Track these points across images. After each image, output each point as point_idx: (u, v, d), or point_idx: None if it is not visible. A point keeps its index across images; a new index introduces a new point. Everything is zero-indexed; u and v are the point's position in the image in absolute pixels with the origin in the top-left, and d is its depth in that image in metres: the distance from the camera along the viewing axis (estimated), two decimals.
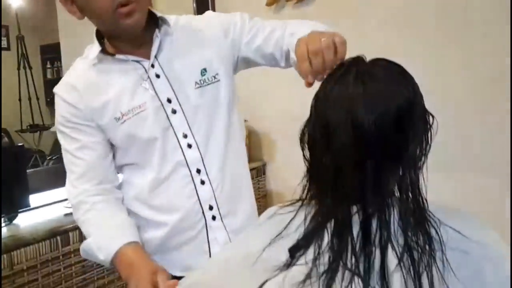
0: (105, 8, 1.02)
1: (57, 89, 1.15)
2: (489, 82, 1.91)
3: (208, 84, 1.15)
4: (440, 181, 1.96)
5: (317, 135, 0.73)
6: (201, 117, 1.15)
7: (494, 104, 1.92)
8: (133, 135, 1.12)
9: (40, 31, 5.22)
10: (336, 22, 2.07)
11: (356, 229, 0.70)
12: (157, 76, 1.13)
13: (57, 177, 1.87)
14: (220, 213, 1.17)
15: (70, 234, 1.60)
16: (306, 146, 0.76)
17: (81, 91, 1.12)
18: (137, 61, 1.12)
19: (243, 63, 1.22)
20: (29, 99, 5.06)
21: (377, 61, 0.74)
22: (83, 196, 1.13)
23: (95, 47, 1.12)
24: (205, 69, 1.15)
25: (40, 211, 1.80)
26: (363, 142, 0.69)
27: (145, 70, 1.12)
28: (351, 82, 0.70)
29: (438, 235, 0.69)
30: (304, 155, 0.76)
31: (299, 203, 0.79)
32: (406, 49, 1.99)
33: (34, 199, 1.82)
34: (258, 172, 2.63)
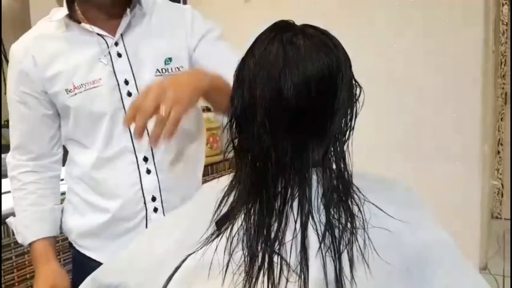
0: None
1: (14, 49, 1.11)
2: (458, 72, 1.92)
3: (170, 74, 1.10)
4: (409, 170, 2.00)
5: (240, 105, 0.71)
6: None
7: (463, 93, 1.93)
8: (82, 110, 1.07)
9: (18, 25, 5.14)
10: (304, 8, 2.06)
11: (278, 205, 0.69)
12: (119, 55, 1.08)
13: None
14: (162, 206, 1.12)
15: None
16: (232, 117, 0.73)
17: (37, 58, 1.08)
18: (102, 36, 1.08)
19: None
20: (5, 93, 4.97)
21: (303, 28, 0.71)
22: (16, 172, 1.15)
23: (62, 10, 1.07)
24: (170, 59, 1.10)
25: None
26: (283, 113, 0.67)
27: (107, 46, 1.08)
28: (274, 51, 0.68)
29: (360, 212, 0.68)
30: (229, 124, 0.74)
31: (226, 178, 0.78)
32: (377, 37, 1.99)
33: None
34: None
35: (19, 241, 1.14)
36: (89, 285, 0.82)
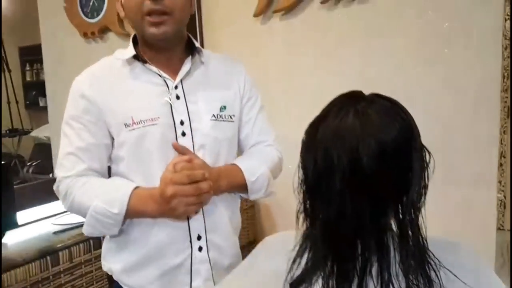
0: (135, 11, 1.07)
1: (78, 80, 1.14)
2: (475, 94, 1.97)
3: (224, 120, 1.18)
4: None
5: (312, 171, 0.73)
6: (208, 148, 1.15)
7: (480, 117, 1.97)
8: (136, 145, 1.10)
9: (19, 32, 5.10)
10: (319, 34, 2.09)
11: (357, 270, 0.71)
12: (177, 97, 1.14)
13: (44, 193, 1.85)
14: (207, 245, 1.16)
15: (60, 253, 1.56)
16: (302, 185, 0.76)
17: (103, 86, 1.12)
18: (163, 78, 1.14)
19: None
20: (8, 102, 4.93)
21: (374, 98, 0.75)
22: (75, 177, 1.11)
23: (129, 51, 1.14)
24: (224, 107, 1.19)
25: (28, 228, 1.76)
26: (362, 180, 0.70)
27: (168, 88, 1.14)
28: (349, 123, 0.71)
29: (437, 278, 0.71)
30: (299, 191, 0.77)
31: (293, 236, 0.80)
32: (388, 66, 2.01)
33: (21, 216, 1.77)
34: None
35: (116, 210, 1.06)
36: None
